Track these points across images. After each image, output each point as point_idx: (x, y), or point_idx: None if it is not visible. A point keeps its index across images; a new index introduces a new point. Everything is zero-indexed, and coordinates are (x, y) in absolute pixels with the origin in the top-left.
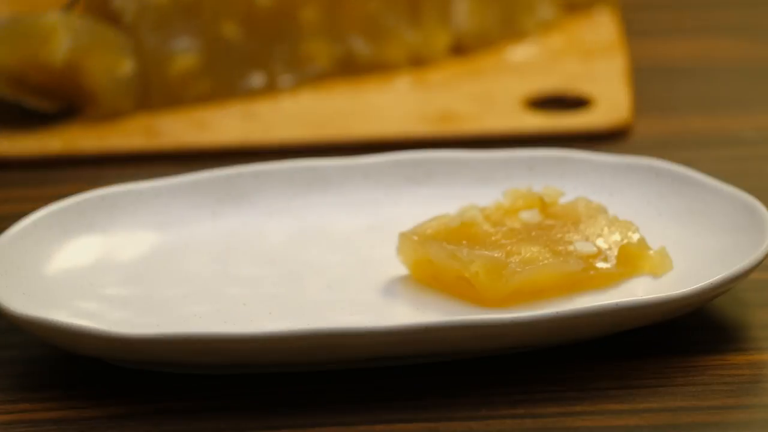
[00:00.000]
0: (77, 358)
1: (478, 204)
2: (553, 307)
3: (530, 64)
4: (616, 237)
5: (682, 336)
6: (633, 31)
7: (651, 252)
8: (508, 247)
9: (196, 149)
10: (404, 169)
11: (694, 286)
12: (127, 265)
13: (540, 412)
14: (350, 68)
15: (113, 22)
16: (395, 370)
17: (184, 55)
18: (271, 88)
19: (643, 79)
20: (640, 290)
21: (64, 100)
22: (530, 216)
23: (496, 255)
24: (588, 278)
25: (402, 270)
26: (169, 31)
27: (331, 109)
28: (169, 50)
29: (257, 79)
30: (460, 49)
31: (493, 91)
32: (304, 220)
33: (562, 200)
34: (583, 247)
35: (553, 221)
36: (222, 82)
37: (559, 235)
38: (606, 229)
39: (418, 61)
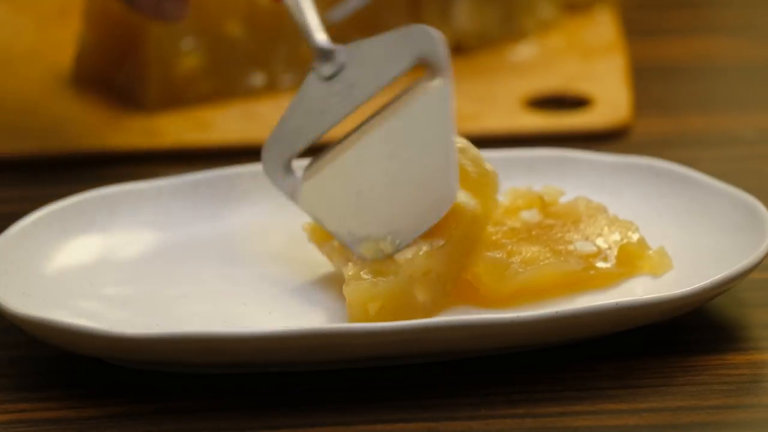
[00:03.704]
0: (77, 358)
1: None
2: (553, 306)
3: (530, 63)
4: (616, 237)
5: (681, 336)
6: (633, 31)
7: (650, 252)
8: (509, 247)
9: (197, 149)
10: None
11: (694, 286)
12: (127, 264)
13: (540, 411)
14: None
15: (118, 23)
16: (395, 370)
17: (190, 55)
18: (271, 88)
19: (643, 79)
20: (639, 290)
21: None
22: (530, 215)
23: (497, 256)
24: (588, 278)
25: None
26: (175, 31)
27: None
28: (176, 50)
29: (258, 79)
30: (460, 48)
31: (493, 90)
32: (304, 220)
33: (562, 200)
34: (583, 247)
35: (553, 221)
36: (223, 81)
37: (559, 235)
38: (606, 229)
39: None
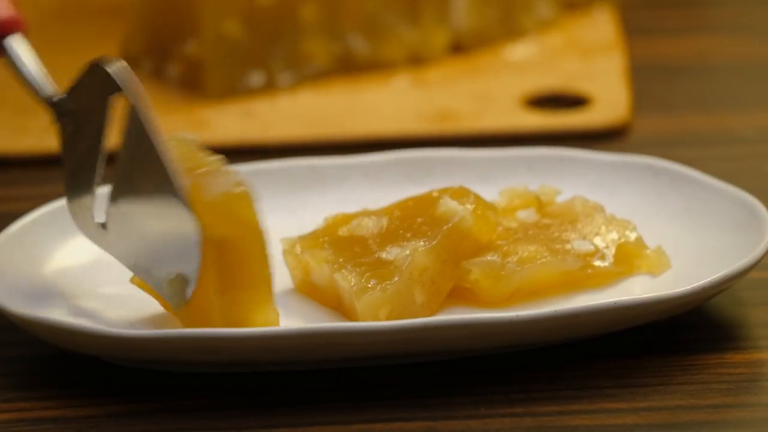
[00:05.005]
0: (75, 357)
1: None
2: (552, 306)
3: (529, 62)
4: (614, 235)
5: (680, 335)
6: (632, 29)
7: (648, 251)
8: (505, 248)
9: None
10: (403, 168)
11: (693, 285)
12: None
13: (538, 410)
14: (349, 67)
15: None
16: (394, 369)
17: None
18: (270, 87)
19: (643, 78)
20: (638, 289)
21: None
22: (527, 215)
23: (490, 258)
24: (586, 277)
25: None
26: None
27: (330, 108)
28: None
29: (257, 78)
30: (459, 47)
31: (491, 89)
32: (303, 219)
33: (559, 199)
34: (580, 246)
35: (550, 220)
36: (222, 80)
37: (556, 234)
38: (603, 228)
39: (417, 60)
